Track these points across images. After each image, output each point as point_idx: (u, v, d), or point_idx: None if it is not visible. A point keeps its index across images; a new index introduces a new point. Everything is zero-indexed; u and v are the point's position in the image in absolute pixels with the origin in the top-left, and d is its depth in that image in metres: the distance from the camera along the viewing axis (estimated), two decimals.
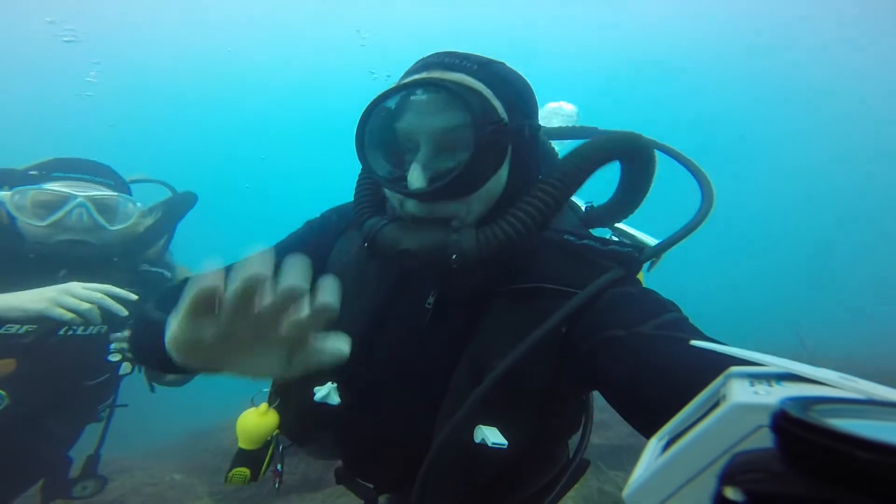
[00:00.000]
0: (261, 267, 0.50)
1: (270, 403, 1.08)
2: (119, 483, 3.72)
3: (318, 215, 1.09)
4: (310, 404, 0.92)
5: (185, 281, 0.76)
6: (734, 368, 0.34)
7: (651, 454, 0.34)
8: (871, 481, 0.17)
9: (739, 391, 0.29)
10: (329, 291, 0.53)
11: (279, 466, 1.13)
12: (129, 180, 1.80)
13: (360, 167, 0.95)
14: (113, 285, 1.53)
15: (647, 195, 0.96)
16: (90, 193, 1.58)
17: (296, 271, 0.52)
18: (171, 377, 1.95)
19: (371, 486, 1.10)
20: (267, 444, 1.08)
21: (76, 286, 1.47)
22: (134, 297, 1.55)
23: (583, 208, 1.06)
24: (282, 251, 0.99)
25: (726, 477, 0.21)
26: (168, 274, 1.86)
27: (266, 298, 0.52)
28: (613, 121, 1.05)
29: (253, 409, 1.08)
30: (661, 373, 0.61)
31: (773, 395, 0.28)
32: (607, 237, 1.11)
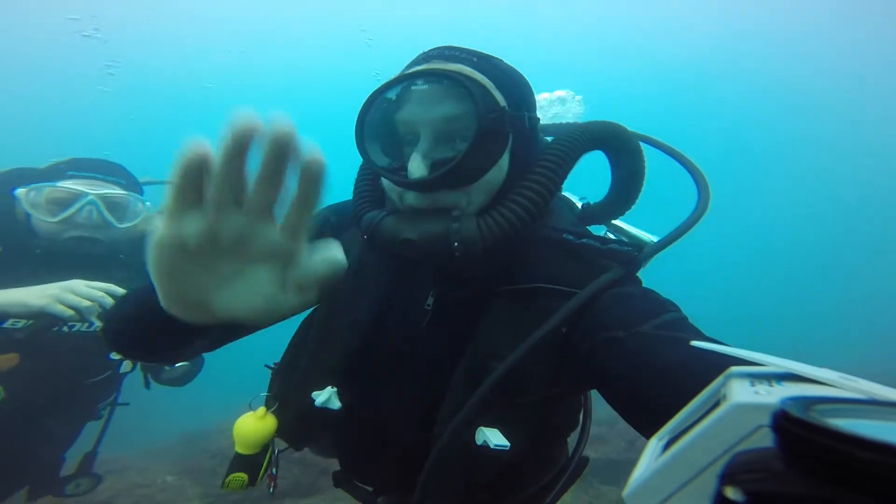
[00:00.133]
0: (251, 121, 0.46)
1: (268, 407, 1.07)
2: (110, 483, 3.72)
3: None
4: (309, 408, 0.92)
5: None
6: (734, 368, 0.34)
7: (651, 454, 0.34)
8: (872, 481, 0.17)
9: (740, 391, 0.29)
10: (311, 152, 0.49)
11: (274, 470, 1.12)
12: (143, 181, 1.84)
13: (359, 164, 0.95)
14: (119, 283, 1.54)
15: (642, 191, 0.96)
16: (101, 192, 1.62)
17: (284, 121, 0.47)
18: (169, 375, 1.96)
19: (370, 488, 1.09)
20: (265, 448, 1.06)
21: (79, 283, 1.49)
22: None
23: (579, 206, 1.06)
24: None
25: (727, 477, 0.21)
26: None
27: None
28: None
29: (251, 413, 1.06)
30: (661, 373, 0.61)
31: (774, 394, 0.28)
32: (602, 234, 1.12)
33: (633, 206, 0.99)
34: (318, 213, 1.05)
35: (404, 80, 0.77)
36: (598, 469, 3.87)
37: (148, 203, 1.76)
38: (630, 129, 0.92)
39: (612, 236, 1.10)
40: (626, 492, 0.31)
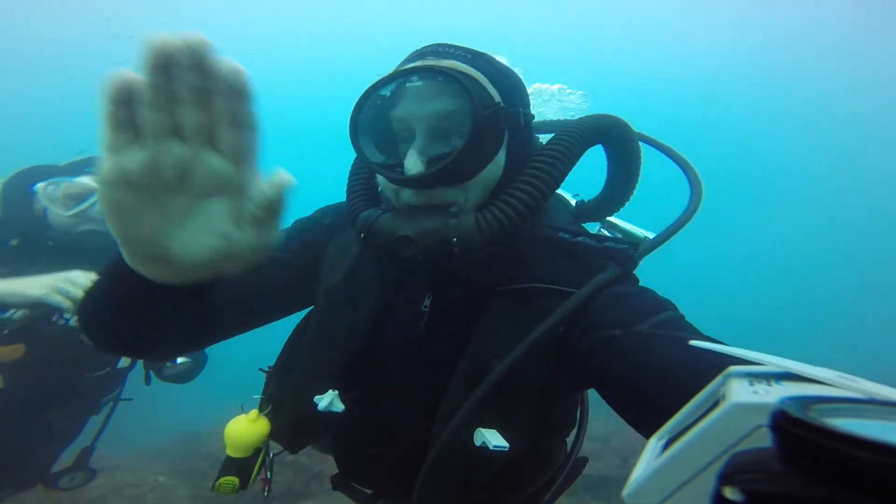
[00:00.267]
0: (165, 38, 0.45)
1: (262, 410, 1.06)
2: (101, 482, 3.68)
3: (308, 214, 1.07)
4: (305, 410, 0.91)
5: None
6: (733, 368, 0.34)
7: (651, 453, 0.34)
8: (870, 481, 0.17)
9: (738, 391, 0.29)
10: (229, 65, 0.47)
11: (269, 474, 1.11)
12: None
13: (351, 163, 0.94)
14: None
15: (636, 188, 0.96)
16: None
17: (194, 35, 0.45)
18: (171, 371, 1.96)
19: (369, 491, 1.09)
20: (257, 452, 1.05)
21: (77, 274, 1.53)
22: None
23: (572, 203, 1.05)
24: (273, 250, 0.98)
25: (725, 477, 0.21)
26: None
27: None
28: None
29: (243, 415, 1.05)
30: (659, 372, 0.61)
31: (773, 394, 0.28)
32: (597, 231, 1.12)
33: (627, 203, 0.99)
34: (312, 215, 1.05)
35: (399, 76, 0.76)
36: (590, 485, 3.85)
37: None
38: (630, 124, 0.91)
39: (606, 233, 1.10)
40: (625, 491, 0.31)
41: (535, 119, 0.90)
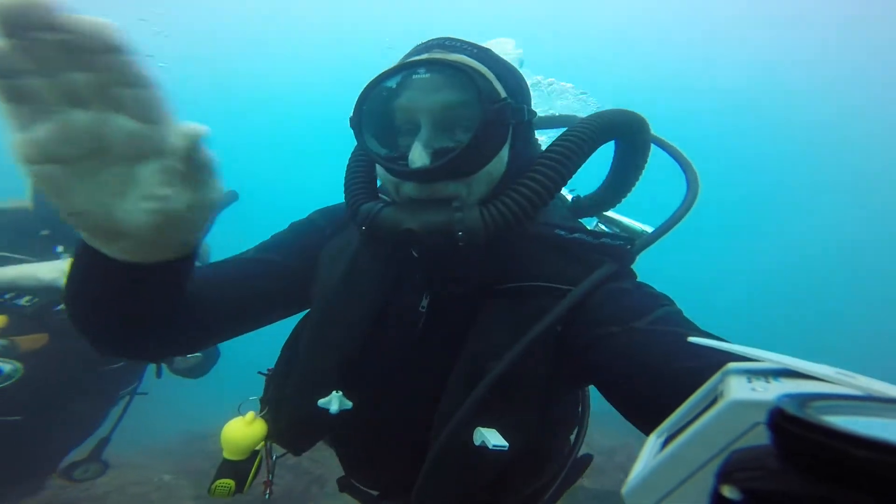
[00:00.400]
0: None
1: (261, 412, 1.05)
2: (107, 480, 3.69)
3: (304, 217, 1.07)
4: (305, 413, 0.91)
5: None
6: (732, 365, 0.34)
7: (650, 451, 0.34)
8: (867, 479, 0.17)
9: (736, 388, 0.29)
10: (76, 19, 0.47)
11: (270, 476, 1.10)
12: None
13: (348, 158, 0.93)
14: None
15: (636, 185, 0.95)
16: None
17: None
18: (182, 364, 1.98)
19: (375, 492, 1.08)
20: (254, 454, 1.04)
21: None
22: None
23: (569, 198, 1.05)
24: (266, 252, 0.98)
25: (723, 475, 0.21)
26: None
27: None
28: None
29: (239, 417, 1.04)
30: (657, 370, 0.61)
31: (770, 391, 0.28)
32: (594, 225, 1.11)
33: (624, 200, 0.98)
34: (307, 217, 1.05)
35: (406, 68, 0.75)
36: (592, 500, 3.86)
37: None
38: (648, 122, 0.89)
39: (603, 227, 1.10)
40: (624, 489, 0.31)
41: (549, 114, 0.90)
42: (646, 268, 0.91)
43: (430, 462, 0.82)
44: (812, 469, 0.19)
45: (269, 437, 1.05)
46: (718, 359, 0.42)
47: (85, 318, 0.77)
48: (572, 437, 1.11)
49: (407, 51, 0.86)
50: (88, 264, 0.65)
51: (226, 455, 1.04)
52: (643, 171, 0.94)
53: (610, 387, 0.72)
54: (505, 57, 0.84)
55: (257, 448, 1.06)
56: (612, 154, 0.94)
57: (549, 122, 1.12)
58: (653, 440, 0.36)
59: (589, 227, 0.92)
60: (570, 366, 0.80)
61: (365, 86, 0.77)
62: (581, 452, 1.14)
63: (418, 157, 0.72)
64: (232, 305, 0.91)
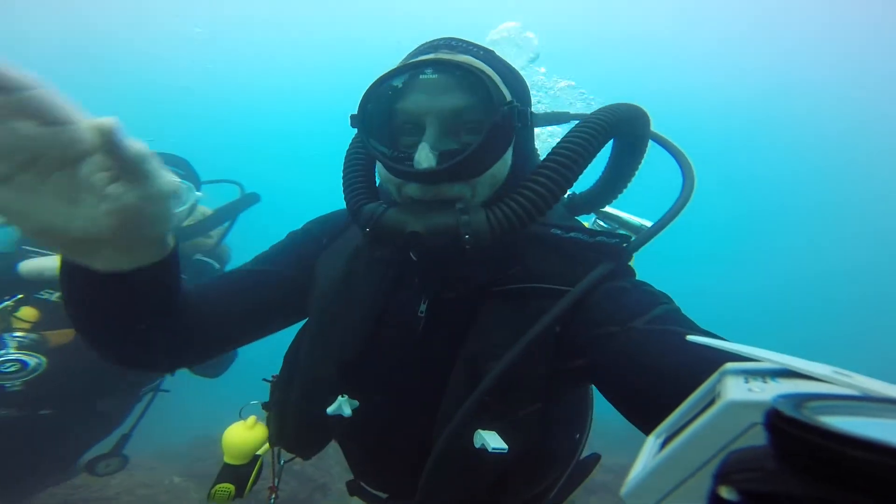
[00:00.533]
0: None
1: (266, 412, 1.05)
2: (118, 480, 3.73)
3: (300, 227, 1.07)
4: (309, 418, 0.91)
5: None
6: (729, 365, 0.34)
7: (649, 452, 0.34)
8: (864, 480, 0.17)
9: (734, 388, 0.29)
10: None
11: (276, 481, 1.10)
12: (204, 181, 2.03)
13: (344, 159, 0.92)
14: None
15: (632, 181, 0.95)
16: None
17: None
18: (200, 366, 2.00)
19: (384, 495, 1.08)
20: (254, 459, 1.04)
21: None
22: None
23: (565, 196, 1.05)
24: (264, 264, 0.99)
25: (721, 476, 0.21)
26: (217, 265, 2.03)
27: None
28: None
29: (240, 422, 1.04)
30: (656, 370, 0.61)
31: (767, 392, 0.28)
32: (592, 221, 1.11)
33: (620, 195, 0.98)
34: (303, 227, 1.04)
35: (414, 67, 0.74)
36: None
37: (198, 193, 1.94)
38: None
39: (601, 223, 1.10)
40: (623, 490, 0.31)
41: (545, 111, 0.90)
42: (659, 278, 0.90)
43: (432, 464, 0.82)
44: (809, 470, 0.18)
45: (276, 442, 1.05)
46: (717, 358, 0.42)
47: (87, 334, 0.79)
48: (577, 436, 1.10)
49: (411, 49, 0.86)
50: (75, 282, 0.67)
51: (226, 459, 1.03)
52: (639, 167, 0.94)
53: (609, 387, 0.72)
54: (518, 43, 0.85)
55: (259, 453, 1.06)
56: (607, 150, 0.93)
57: (546, 119, 1.13)
58: (652, 441, 0.36)
59: (587, 223, 0.92)
60: (570, 365, 0.80)
61: (370, 84, 0.76)
62: (587, 454, 1.14)
63: (425, 158, 0.72)
64: (231, 317, 0.92)
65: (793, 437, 0.19)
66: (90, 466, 1.90)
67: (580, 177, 0.79)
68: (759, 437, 0.25)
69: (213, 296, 0.92)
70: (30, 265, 1.62)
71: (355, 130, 0.81)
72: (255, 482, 1.06)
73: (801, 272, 18.28)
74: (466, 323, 0.85)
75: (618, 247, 0.82)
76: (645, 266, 0.98)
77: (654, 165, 0.99)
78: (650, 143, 0.92)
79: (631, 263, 0.88)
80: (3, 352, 1.58)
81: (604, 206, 1.02)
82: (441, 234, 0.73)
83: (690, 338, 0.45)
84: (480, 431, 0.79)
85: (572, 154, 0.76)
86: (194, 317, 0.86)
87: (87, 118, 0.55)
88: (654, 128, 0.92)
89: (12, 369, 1.57)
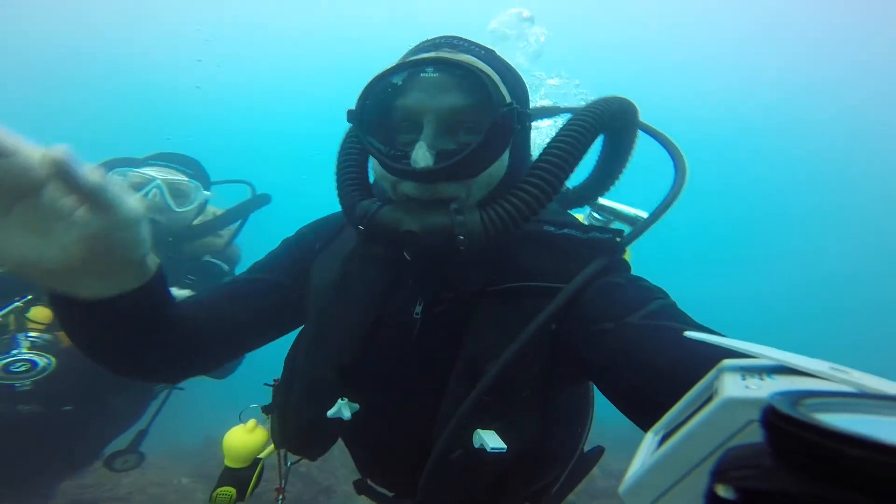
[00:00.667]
0: None
1: (268, 415, 1.05)
2: (130, 480, 3.77)
3: (293, 233, 1.07)
4: (311, 419, 0.91)
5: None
6: (726, 362, 0.34)
7: (647, 449, 0.34)
8: (861, 478, 0.17)
9: (731, 385, 0.29)
10: None
11: (283, 483, 1.09)
12: (214, 182, 2.05)
13: (337, 156, 0.92)
14: (174, 272, 1.65)
15: (623, 172, 0.95)
16: (168, 177, 1.83)
17: None
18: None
19: (391, 493, 1.08)
20: (255, 462, 1.03)
21: None
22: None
23: None
24: (258, 272, 0.99)
25: (718, 473, 0.21)
26: (226, 267, 2.05)
27: None
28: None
29: (241, 425, 1.04)
30: (653, 366, 0.61)
31: (764, 389, 0.28)
32: (587, 214, 1.10)
33: (613, 187, 0.98)
34: (297, 233, 1.04)
35: (415, 65, 0.73)
36: None
37: (207, 193, 1.97)
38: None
39: (596, 215, 1.09)
40: (622, 488, 0.31)
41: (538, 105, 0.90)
42: (662, 281, 0.89)
43: (432, 464, 0.82)
44: (806, 468, 0.18)
45: (280, 445, 1.05)
46: (714, 355, 0.42)
47: (83, 351, 0.80)
48: (578, 431, 1.10)
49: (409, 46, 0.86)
50: (60, 310, 0.68)
51: (227, 463, 1.03)
52: (630, 158, 0.94)
53: (607, 383, 0.71)
54: (524, 29, 0.85)
55: (263, 455, 1.06)
56: (598, 143, 0.92)
57: (538, 114, 1.12)
58: (650, 438, 0.36)
59: (582, 216, 0.92)
60: (566, 363, 0.80)
61: (369, 80, 0.76)
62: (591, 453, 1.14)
63: (422, 157, 0.71)
64: (228, 327, 0.92)
65: (789, 434, 0.19)
66: (108, 462, 1.91)
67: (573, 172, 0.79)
68: (756, 435, 0.25)
69: (208, 307, 0.92)
70: None
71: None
72: (256, 485, 1.06)
73: (803, 275, 18.32)
74: (462, 323, 0.84)
75: (611, 242, 0.82)
76: (648, 269, 0.98)
77: (648, 155, 0.99)
78: (641, 134, 0.92)
79: (627, 257, 0.88)
80: (14, 352, 1.59)
81: (596, 199, 1.02)
82: (436, 233, 0.73)
83: (688, 334, 0.45)
84: (479, 431, 0.79)
85: (564, 154, 0.76)
86: (190, 329, 0.86)
87: (36, 148, 0.55)
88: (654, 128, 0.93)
89: (22, 369, 1.58)
